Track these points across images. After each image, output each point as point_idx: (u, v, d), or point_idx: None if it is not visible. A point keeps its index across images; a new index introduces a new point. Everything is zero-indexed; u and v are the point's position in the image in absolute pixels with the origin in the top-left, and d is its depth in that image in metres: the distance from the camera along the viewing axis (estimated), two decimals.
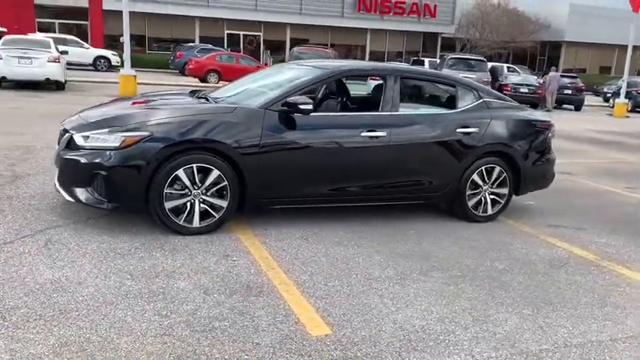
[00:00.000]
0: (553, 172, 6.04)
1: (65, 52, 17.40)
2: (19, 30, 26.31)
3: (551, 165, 5.93)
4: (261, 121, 4.51)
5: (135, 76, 15.40)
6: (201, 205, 4.41)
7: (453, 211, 5.54)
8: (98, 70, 25.71)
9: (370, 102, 5.51)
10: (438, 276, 4.05)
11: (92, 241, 4.15)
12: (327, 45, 39.03)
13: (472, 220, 5.49)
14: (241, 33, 36.45)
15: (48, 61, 14.90)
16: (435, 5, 38.94)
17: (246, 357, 2.76)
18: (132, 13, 33.17)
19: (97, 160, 4.17)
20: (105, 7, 32.31)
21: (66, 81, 16.21)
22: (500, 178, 5.50)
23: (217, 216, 4.47)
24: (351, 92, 6.15)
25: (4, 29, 22.60)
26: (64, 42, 24.74)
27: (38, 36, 19.06)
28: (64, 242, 4.09)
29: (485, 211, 5.51)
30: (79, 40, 27.43)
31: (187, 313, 3.18)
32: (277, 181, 4.64)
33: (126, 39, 15.46)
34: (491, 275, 4.15)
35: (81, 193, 4.31)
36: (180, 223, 4.37)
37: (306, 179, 4.75)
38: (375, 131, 4.88)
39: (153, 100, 5.10)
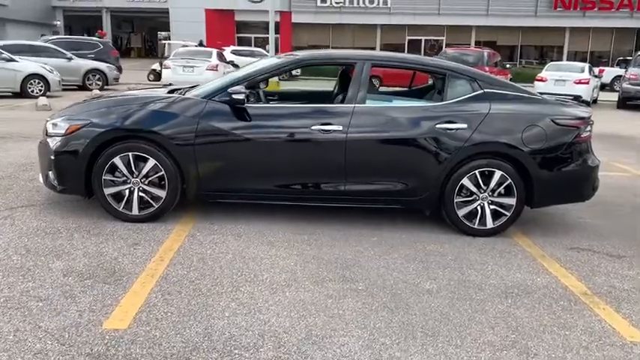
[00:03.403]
0: (592, 181, 4.78)
1: (235, 65, 19.05)
2: (222, 44, 29.89)
3: (587, 172, 4.70)
4: (200, 112, 4.43)
5: (278, 82, 16.23)
6: (140, 193, 4.50)
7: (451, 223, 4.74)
8: (282, 79, 27.87)
9: (339, 94, 5.02)
10: (333, 286, 3.52)
11: (39, 220, 4.52)
12: (516, 47, 36.48)
13: (467, 233, 4.63)
14: (423, 38, 35.94)
15: (206, 69, 16.56)
16: None
17: None
18: (316, 25, 35.54)
19: (51, 146, 4.54)
20: (294, 20, 34.73)
21: None
22: (504, 185, 4.54)
23: (156, 205, 4.52)
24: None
25: (190, 43, 25.60)
26: (252, 54, 27.24)
27: (207, 49, 21.18)
28: (21, 219, 4.53)
29: (483, 223, 4.60)
30: (263, 51, 29.92)
31: (24, 289, 3.28)
32: (217, 173, 4.51)
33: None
34: (404, 295, 3.46)
35: (45, 176, 4.73)
36: (120, 209, 4.52)
37: (248, 173, 4.53)
38: (330, 125, 4.43)
39: (127, 94, 5.35)
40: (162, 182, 4.49)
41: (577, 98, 15.85)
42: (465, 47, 23.33)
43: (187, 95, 4.63)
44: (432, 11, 34.56)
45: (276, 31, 35.27)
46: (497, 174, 4.51)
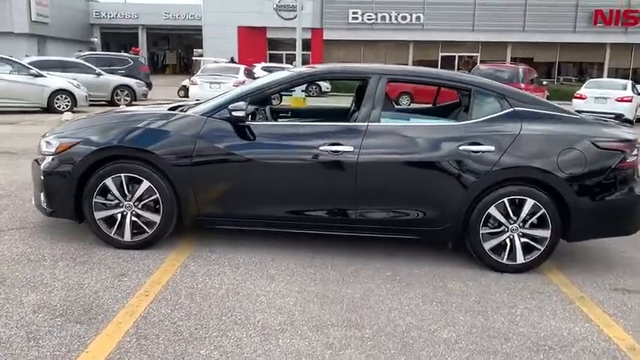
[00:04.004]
0: (639, 212, 4.19)
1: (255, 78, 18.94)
2: (253, 61, 29.93)
3: (633, 202, 4.12)
4: (198, 130, 4.06)
5: (304, 99, 15.93)
6: (133, 218, 4.14)
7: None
8: (310, 95, 27.61)
9: (355, 112, 4.57)
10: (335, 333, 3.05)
11: (26, 245, 4.20)
12: (554, 63, 35.52)
13: (494, 268, 4.11)
14: (456, 54, 35.30)
15: (233, 85, 16.36)
16: None
17: None
18: (348, 41, 35.31)
19: (42, 165, 4.23)
20: (325, 37, 34.60)
21: None
22: (537, 216, 4.01)
23: (149, 231, 4.15)
24: None
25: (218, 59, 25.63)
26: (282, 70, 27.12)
27: (235, 65, 21.11)
28: (7, 244, 4.22)
29: (513, 258, 4.07)
30: (292, 67, 29.86)
31: None
32: (216, 197, 4.12)
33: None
34: (417, 345, 2.97)
35: (36, 197, 4.42)
36: (111, 235, 4.16)
37: (249, 198, 4.12)
38: (339, 145, 3.99)
39: (125, 111, 5.02)
40: (157, 206, 4.12)
41: (619, 117, 15.02)
42: (499, 63, 22.64)
43: (188, 112, 4.27)
44: (466, 27, 33.94)
45: (308, 48, 35.40)
46: (529, 203, 3.99)
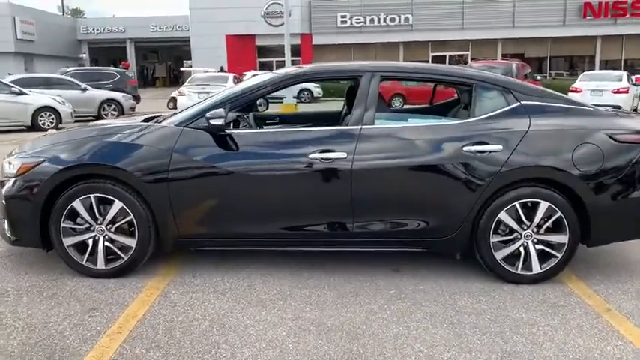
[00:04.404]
0: None
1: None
2: (243, 69, 29.53)
3: None
4: (173, 142, 3.66)
5: (295, 105, 15.58)
6: (106, 243, 3.73)
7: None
8: (302, 102, 27.21)
9: (347, 114, 4.18)
10: None
11: None
12: (545, 58, 35.30)
13: (508, 280, 3.72)
14: (447, 54, 35.01)
15: None
16: None
17: None
18: (338, 46, 34.95)
19: (3, 189, 3.82)
20: (314, 42, 34.30)
21: None
22: (552, 220, 3.63)
23: (125, 257, 3.74)
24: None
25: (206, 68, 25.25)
26: None
27: (224, 74, 20.74)
28: None
29: (528, 267, 3.68)
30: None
31: None
32: (196, 216, 3.71)
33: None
34: None
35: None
36: (83, 263, 3.75)
37: (233, 215, 3.72)
38: (331, 152, 3.60)
39: (97, 124, 4.62)
40: (132, 229, 3.71)
41: (617, 108, 14.70)
42: (491, 60, 22.33)
43: (163, 123, 3.87)
44: (456, 26, 33.67)
45: (298, 54, 35.04)
46: (543, 205, 3.60)
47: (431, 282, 3.75)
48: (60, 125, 13.86)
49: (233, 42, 34.78)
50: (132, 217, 3.67)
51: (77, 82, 16.98)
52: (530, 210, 3.64)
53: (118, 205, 3.66)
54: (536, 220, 3.63)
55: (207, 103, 3.89)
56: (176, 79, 50.93)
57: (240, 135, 3.73)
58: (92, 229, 3.72)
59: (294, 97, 17.51)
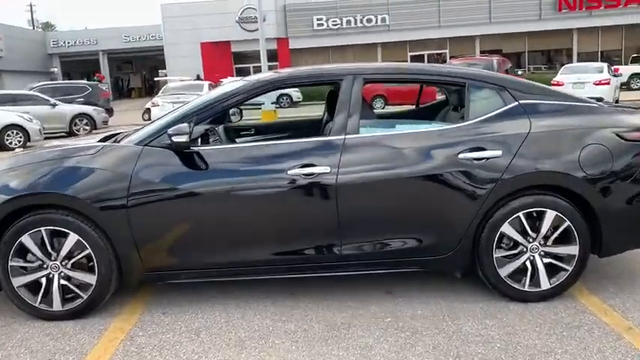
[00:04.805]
0: None
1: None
2: (220, 77, 28.99)
3: None
4: (132, 164, 3.23)
5: (275, 111, 15.17)
6: (62, 281, 3.29)
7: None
8: (281, 107, 26.74)
9: (328, 122, 3.79)
10: None
11: None
12: (523, 53, 35.34)
13: (515, 298, 3.36)
14: (425, 53, 34.87)
15: None
16: None
17: None
18: (315, 49, 34.60)
19: None
20: (291, 46, 33.92)
21: None
22: (560, 229, 3.27)
23: (84, 296, 3.29)
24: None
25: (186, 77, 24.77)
26: None
27: (199, 82, 20.29)
28: None
29: (536, 283, 3.32)
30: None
31: None
32: (163, 245, 3.28)
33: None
34: None
35: None
36: (37, 305, 3.30)
37: (205, 242, 3.29)
38: (312, 166, 3.20)
39: (50, 147, 4.16)
40: (91, 264, 3.27)
41: (599, 100, 14.54)
42: (470, 57, 22.15)
43: (122, 142, 3.43)
44: (432, 24, 33.53)
45: (275, 59, 34.60)
46: (550, 215, 3.24)
47: (430, 305, 3.37)
48: (28, 143, 13.30)
49: (208, 49, 34.24)
50: (89, 250, 3.23)
51: (46, 97, 16.37)
52: (536, 220, 3.29)
53: (72, 237, 3.22)
54: (543, 230, 3.28)
55: (169, 117, 3.46)
56: (152, 89, 50.23)
57: (208, 152, 3.31)
58: (45, 266, 3.27)
59: (272, 103, 17.05)
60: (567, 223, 3.25)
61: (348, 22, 33.80)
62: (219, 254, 3.32)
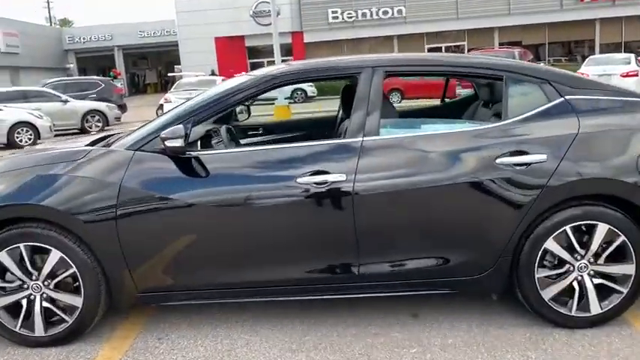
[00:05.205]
0: None
1: None
2: (234, 72, 28.70)
3: None
4: (122, 171, 2.84)
5: (288, 106, 14.75)
6: (45, 303, 2.92)
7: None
8: (295, 102, 26.29)
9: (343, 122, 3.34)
10: None
11: None
12: (542, 44, 34.49)
13: (560, 324, 2.92)
14: (443, 45, 34.15)
15: None
16: None
17: None
18: (330, 42, 34.06)
19: None
20: (306, 39, 33.45)
21: None
22: (614, 245, 2.81)
23: (70, 320, 2.92)
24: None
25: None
26: None
27: (212, 77, 19.98)
28: None
29: (584, 307, 2.87)
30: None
31: None
32: (158, 264, 2.89)
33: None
34: None
35: None
36: (17, 330, 2.93)
37: (205, 260, 2.89)
38: (325, 174, 2.78)
39: (33, 151, 3.79)
40: (77, 284, 2.90)
41: None
42: (490, 49, 21.51)
43: (112, 147, 3.04)
44: (450, 16, 32.79)
45: (290, 53, 34.16)
46: (602, 228, 2.79)
47: (461, 332, 2.93)
48: (38, 141, 13.06)
49: (222, 44, 33.92)
50: (74, 269, 2.86)
51: (57, 94, 16.15)
52: (585, 235, 2.84)
53: (55, 254, 2.84)
54: (593, 247, 2.83)
55: (164, 117, 3.07)
56: (167, 85, 50.16)
57: (207, 157, 2.90)
58: (26, 286, 2.91)
59: (286, 98, 16.63)
60: (622, 238, 2.80)
61: (364, 14, 33.22)
62: (221, 274, 2.92)
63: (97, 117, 16.26)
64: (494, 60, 3.13)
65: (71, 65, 42.35)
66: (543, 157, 2.77)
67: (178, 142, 2.71)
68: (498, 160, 2.78)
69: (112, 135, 3.57)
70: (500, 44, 32.64)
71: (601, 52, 32.53)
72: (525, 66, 3.10)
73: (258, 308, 3.26)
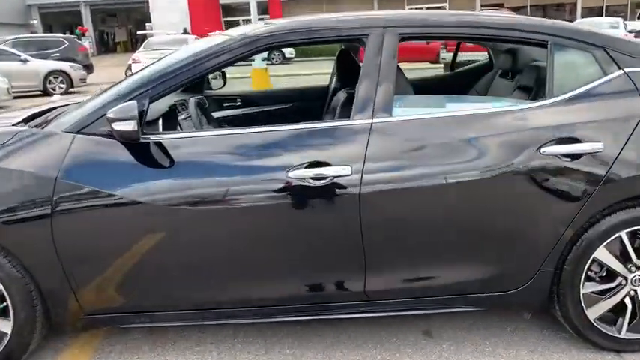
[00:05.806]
0: None
1: None
2: (209, 30, 27.36)
3: None
4: (58, 161, 2.17)
5: (266, 69, 13.91)
6: None
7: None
8: (272, 64, 25.26)
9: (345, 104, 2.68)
10: None
11: None
12: (524, 7, 33.82)
13: (605, 347, 2.40)
14: (423, 6, 33.15)
15: None
16: None
17: None
18: (308, 0, 32.73)
19: None
20: None
21: None
22: None
23: None
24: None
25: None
26: None
27: (184, 36, 18.95)
28: None
29: (636, 329, 2.36)
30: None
31: None
32: (107, 277, 2.26)
33: None
34: None
35: None
36: None
37: (175, 272, 2.28)
38: (325, 165, 2.16)
39: None
40: (4, 304, 2.25)
41: None
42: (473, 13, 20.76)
43: (48, 128, 2.34)
44: None
45: (265, 12, 32.80)
46: None
47: (486, 355, 2.40)
48: None
49: (195, 1, 32.37)
50: (1, 287, 2.21)
51: (16, 52, 14.98)
52: None
53: None
54: None
55: (113, 90, 2.37)
56: (137, 43, 48.18)
57: (170, 142, 2.24)
58: None
59: (263, 60, 15.72)
60: None
61: None
62: (188, 290, 2.30)
63: (60, 78, 15.18)
64: (535, 20, 2.50)
65: (35, 21, 40.05)
66: (599, 145, 2.19)
67: (130, 125, 2.04)
68: (543, 150, 2.18)
69: (55, 108, 2.86)
70: (482, 6, 31.93)
71: (582, 16, 32.09)
72: (574, 28, 2.47)
73: (238, 326, 2.67)
